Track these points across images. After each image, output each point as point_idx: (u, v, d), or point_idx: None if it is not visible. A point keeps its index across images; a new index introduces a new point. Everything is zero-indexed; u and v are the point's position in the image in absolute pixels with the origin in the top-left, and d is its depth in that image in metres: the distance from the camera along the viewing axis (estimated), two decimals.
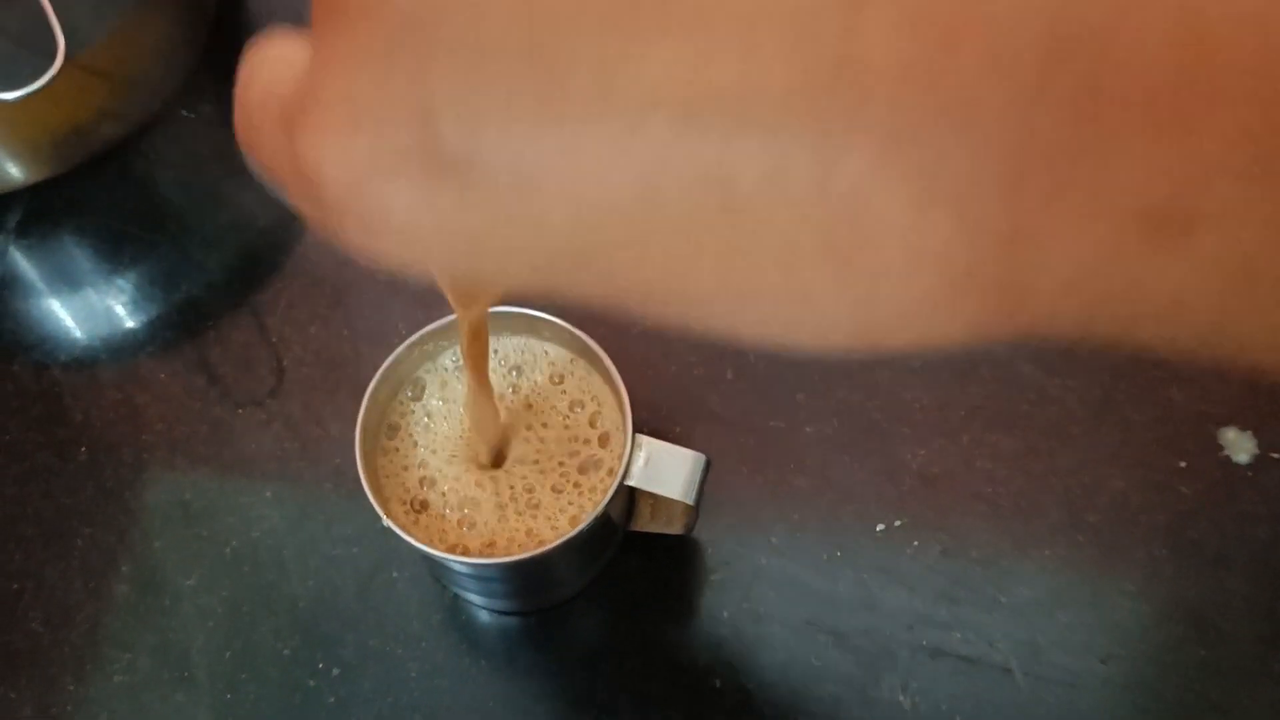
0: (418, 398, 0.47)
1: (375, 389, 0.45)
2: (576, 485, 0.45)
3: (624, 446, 0.43)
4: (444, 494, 0.45)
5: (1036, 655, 0.49)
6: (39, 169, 0.60)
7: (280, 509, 0.54)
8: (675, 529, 0.49)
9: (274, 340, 0.58)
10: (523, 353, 0.48)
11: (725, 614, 0.51)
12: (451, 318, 0.46)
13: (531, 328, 0.48)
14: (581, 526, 0.42)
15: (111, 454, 0.56)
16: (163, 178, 0.63)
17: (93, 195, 0.62)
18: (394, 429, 0.47)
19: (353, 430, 0.55)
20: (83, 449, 0.56)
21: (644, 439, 0.44)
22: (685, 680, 0.50)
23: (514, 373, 0.48)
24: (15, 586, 0.53)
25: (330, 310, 0.58)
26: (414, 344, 0.46)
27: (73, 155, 0.60)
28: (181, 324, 0.59)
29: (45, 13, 0.51)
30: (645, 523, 0.49)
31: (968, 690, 0.49)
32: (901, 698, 0.49)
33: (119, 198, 0.62)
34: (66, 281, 0.61)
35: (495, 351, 0.48)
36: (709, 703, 0.49)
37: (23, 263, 0.61)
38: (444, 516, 0.45)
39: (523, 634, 0.51)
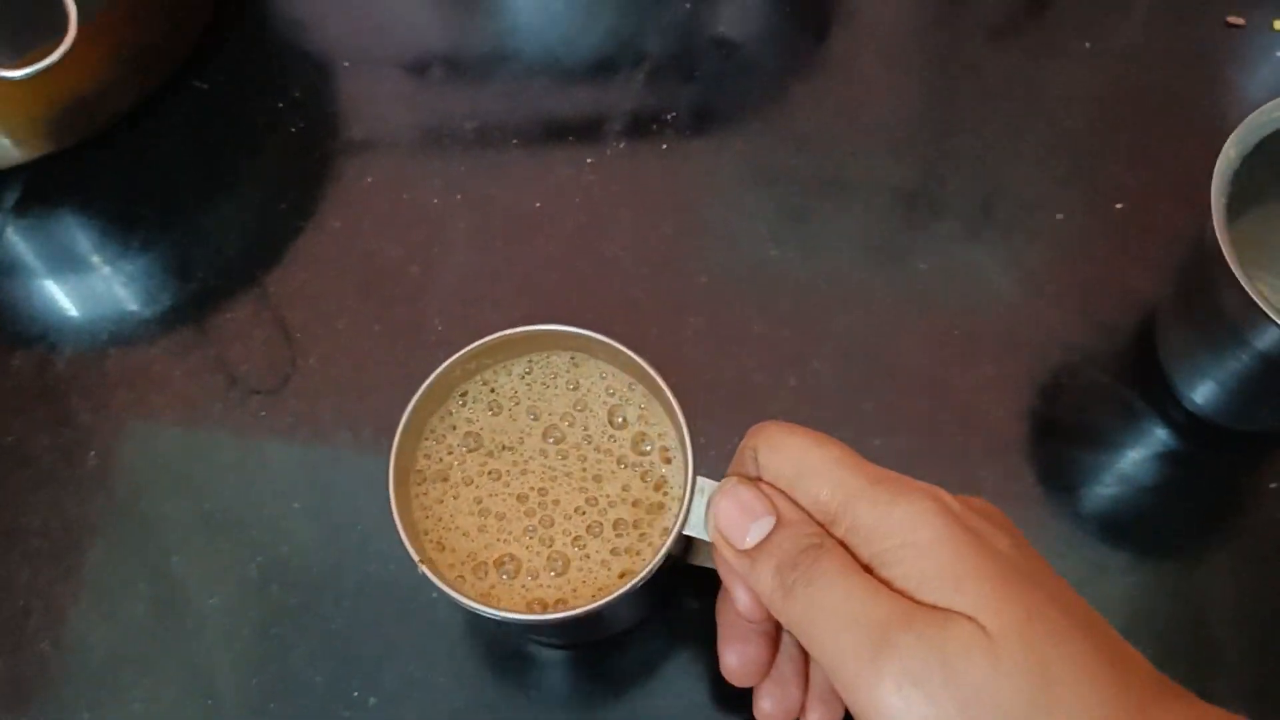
0: (453, 426, 0.43)
1: (409, 419, 0.41)
2: (634, 527, 0.42)
3: (683, 489, 0.40)
4: (486, 538, 0.41)
5: None
6: (40, 144, 0.55)
7: (310, 522, 0.50)
8: None
9: (298, 335, 0.54)
10: (579, 370, 0.44)
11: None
12: (500, 335, 0.42)
13: (585, 346, 0.44)
14: (635, 581, 0.38)
15: (123, 459, 0.51)
16: (174, 152, 0.58)
17: (98, 171, 0.57)
18: (433, 458, 0.43)
19: (388, 435, 0.51)
20: (92, 453, 0.52)
21: (706, 483, 0.39)
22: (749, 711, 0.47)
23: (573, 389, 0.44)
24: (22, 604, 0.49)
25: (360, 303, 0.54)
26: (456, 362, 0.42)
27: (76, 129, 0.56)
28: (197, 315, 0.54)
29: None
30: (704, 559, 0.44)
31: None
32: None
33: (126, 174, 0.58)
34: (70, 266, 0.56)
35: (551, 374, 0.44)
36: None
37: (22, 245, 0.56)
38: (489, 563, 0.41)
39: (577, 664, 0.48)
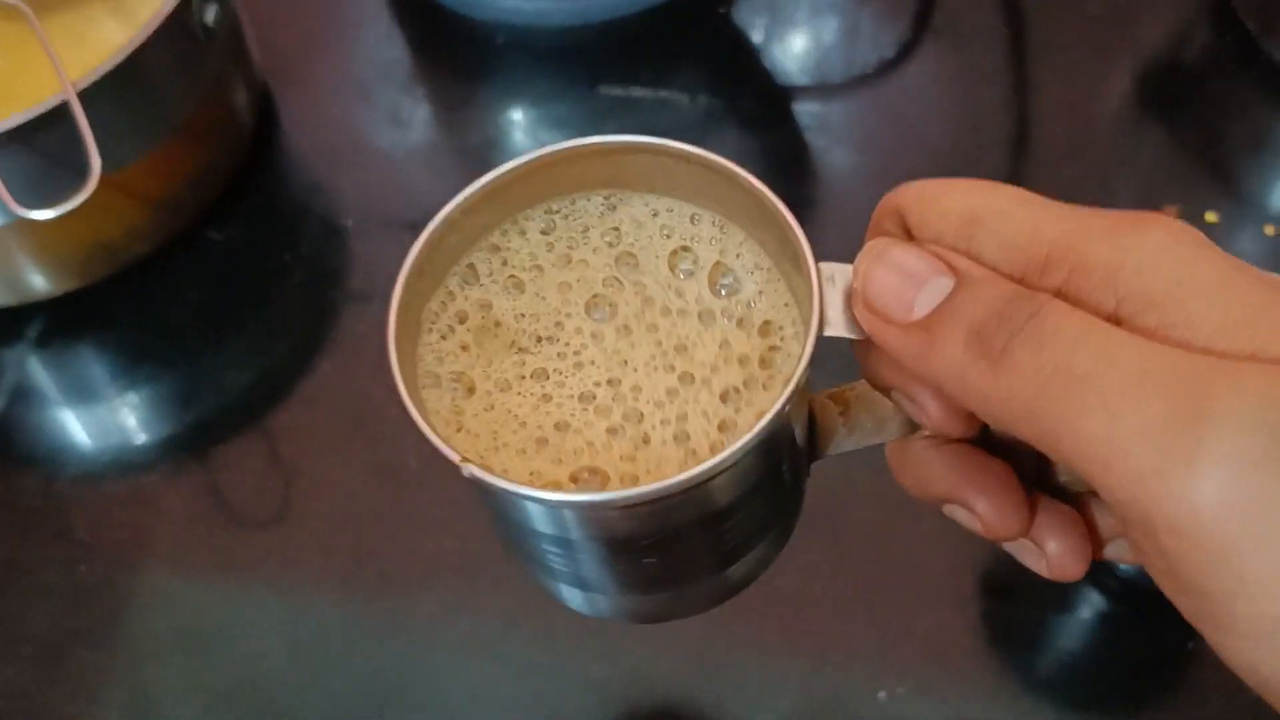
0: (462, 315, 0.32)
1: (400, 304, 0.30)
2: (747, 389, 0.31)
3: (809, 282, 0.28)
4: (550, 453, 0.30)
5: None
6: (64, 282, 0.61)
7: (285, 641, 0.53)
8: (889, 433, 0.32)
9: (286, 468, 0.58)
10: (618, 213, 0.33)
11: None
12: (505, 169, 0.31)
13: (622, 173, 0.32)
14: (781, 401, 0.27)
15: (113, 575, 0.55)
16: (186, 297, 0.63)
17: (115, 309, 0.63)
18: (446, 360, 0.31)
19: (367, 564, 0.55)
20: (84, 568, 0.55)
21: (835, 267, 0.28)
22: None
23: (613, 242, 0.33)
24: (5, 706, 0.52)
25: (346, 441, 0.58)
26: (450, 219, 0.31)
27: (98, 270, 0.61)
28: (193, 445, 0.59)
29: (82, 136, 0.52)
30: (841, 440, 0.33)
31: None
32: None
33: (141, 313, 0.63)
34: (82, 395, 0.61)
35: (581, 226, 0.33)
36: None
37: (40, 373, 0.61)
38: (562, 481, 0.30)
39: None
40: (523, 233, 0.32)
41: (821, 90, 0.69)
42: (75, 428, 0.60)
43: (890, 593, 0.54)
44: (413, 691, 0.51)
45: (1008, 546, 0.31)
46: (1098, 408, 0.22)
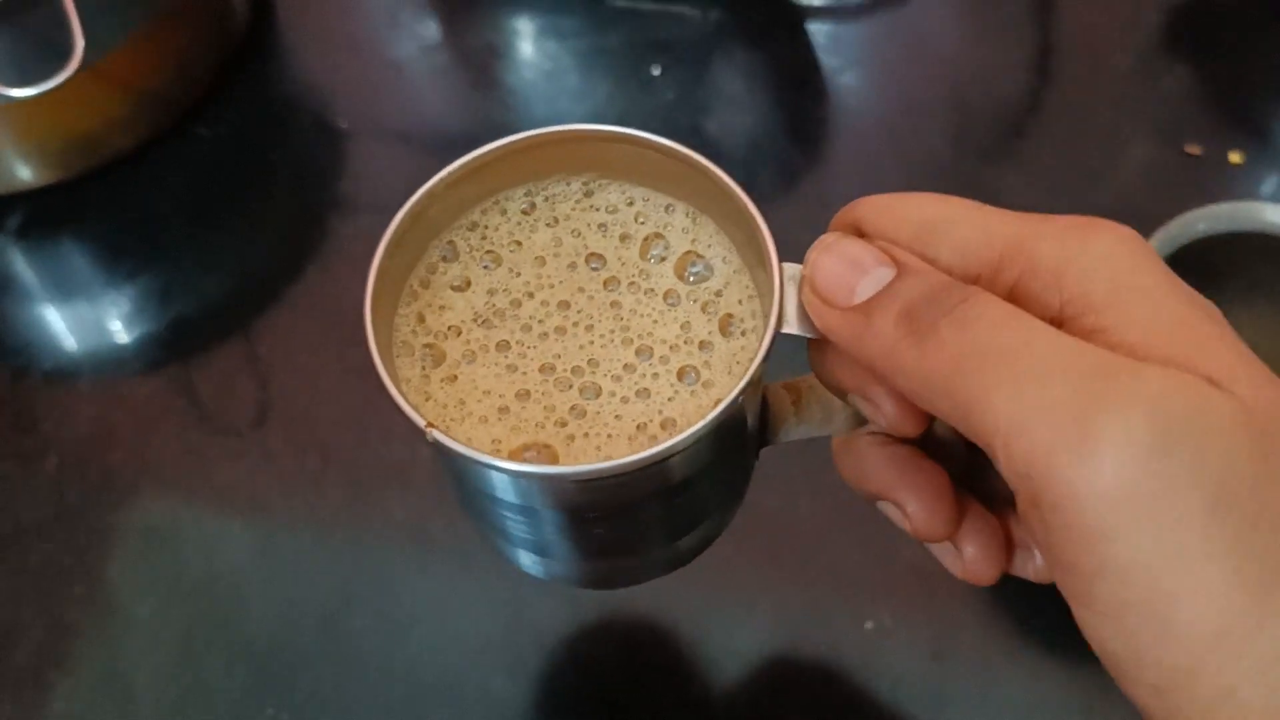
0: (443, 287, 0.33)
1: (379, 272, 0.30)
2: (707, 369, 0.32)
3: (772, 281, 0.29)
4: (509, 421, 0.31)
5: None
6: (47, 172, 0.59)
7: (246, 542, 0.52)
8: (837, 426, 0.34)
9: (263, 370, 0.56)
10: (594, 198, 0.34)
11: (695, 695, 0.48)
12: (492, 148, 0.32)
13: (603, 158, 0.33)
14: (734, 394, 0.28)
15: (79, 470, 0.54)
16: (170, 193, 0.61)
17: (98, 203, 0.61)
18: (420, 333, 0.32)
19: (334, 465, 0.53)
20: (50, 461, 0.54)
21: (797, 268, 0.30)
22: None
23: (590, 224, 0.34)
24: None
25: (323, 341, 0.56)
26: (434, 190, 0.31)
27: (82, 160, 0.59)
28: (170, 343, 0.57)
29: (67, 15, 0.50)
30: (791, 429, 0.34)
31: None
32: None
33: (124, 208, 0.61)
34: (60, 289, 0.59)
35: (559, 209, 0.34)
36: None
37: (20, 265, 0.60)
38: (517, 451, 0.31)
39: (497, 676, 0.49)
40: (503, 211, 0.34)
41: (837, 9, 0.67)
42: (51, 321, 0.59)
43: (876, 520, 0.51)
44: (371, 597, 0.50)
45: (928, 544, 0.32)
46: (1007, 384, 0.23)
